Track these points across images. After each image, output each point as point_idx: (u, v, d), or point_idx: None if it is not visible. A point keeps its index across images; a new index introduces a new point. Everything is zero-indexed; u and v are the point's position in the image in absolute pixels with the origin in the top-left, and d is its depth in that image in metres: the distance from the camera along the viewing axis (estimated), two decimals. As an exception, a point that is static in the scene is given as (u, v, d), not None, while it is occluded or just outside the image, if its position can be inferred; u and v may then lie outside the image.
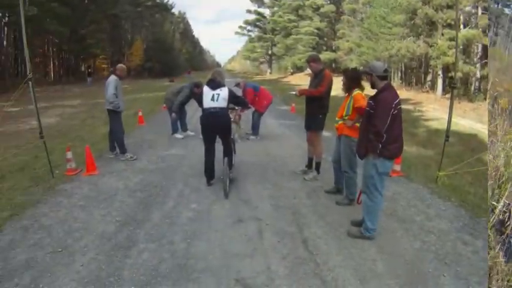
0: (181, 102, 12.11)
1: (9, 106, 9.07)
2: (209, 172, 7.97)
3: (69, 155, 8.79)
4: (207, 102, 7.47)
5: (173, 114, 12.28)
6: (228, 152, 7.88)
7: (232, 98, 7.72)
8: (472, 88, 29.96)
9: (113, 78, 9.61)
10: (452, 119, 8.40)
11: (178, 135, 12.88)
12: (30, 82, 7.81)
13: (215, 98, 7.44)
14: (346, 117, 6.81)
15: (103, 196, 7.36)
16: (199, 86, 11.47)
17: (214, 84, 7.58)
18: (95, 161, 9.17)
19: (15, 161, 9.70)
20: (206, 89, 7.59)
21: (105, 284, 4.48)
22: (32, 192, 7.54)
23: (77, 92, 34.92)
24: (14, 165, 9.33)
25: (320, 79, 7.85)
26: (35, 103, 8.07)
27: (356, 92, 6.70)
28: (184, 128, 13.39)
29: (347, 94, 6.93)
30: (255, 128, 12.85)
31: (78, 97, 28.68)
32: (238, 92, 9.95)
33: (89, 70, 48.81)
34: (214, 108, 7.42)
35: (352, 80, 6.84)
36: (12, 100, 8.17)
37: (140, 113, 16.53)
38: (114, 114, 9.72)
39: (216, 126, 7.63)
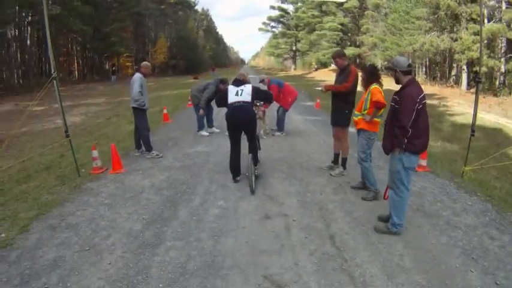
0: (207, 99, 12.10)
1: (34, 105, 9.18)
2: (235, 168, 8.05)
3: (95, 153, 8.84)
4: (232, 98, 7.69)
5: (201, 110, 12.34)
6: (253, 148, 7.96)
7: (256, 93, 7.89)
8: (497, 83, 29.57)
9: (138, 76, 9.65)
10: (478, 114, 8.31)
11: (204, 133, 12.93)
12: (54, 81, 7.87)
13: (239, 93, 7.69)
14: (364, 112, 6.91)
15: (129, 194, 7.41)
16: (224, 82, 12.22)
17: (239, 83, 7.90)
18: (121, 159, 9.25)
19: (41, 160, 9.80)
20: (231, 87, 7.87)
21: (132, 282, 4.52)
22: (58, 191, 7.60)
23: (102, 90, 35.27)
24: (40, 165, 9.43)
25: (346, 75, 7.86)
26: (60, 102, 8.14)
27: (373, 86, 6.78)
28: (210, 125, 13.49)
29: (365, 89, 7.01)
30: (280, 124, 12.86)
31: (103, 95, 28.94)
32: (263, 88, 9.95)
33: (113, 68, 48.77)
34: (238, 102, 7.63)
35: (371, 75, 6.95)
36: (36, 99, 8.25)
37: (165, 110, 16.59)
38: (139, 112, 9.77)
39: (240, 119, 7.72)
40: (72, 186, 7.90)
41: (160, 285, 4.46)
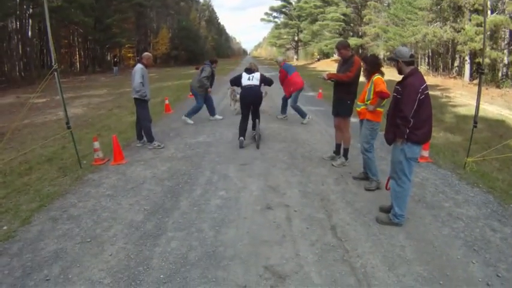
0: (206, 77, 12.92)
1: (36, 97, 9.16)
2: (242, 130, 10.36)
3: (96, 144, 8.86)
4: (245, 81, 10.25)
5: (209, 89, 13.28)
6: (257, 116, 10.62)
7: (262, 79, 10.40)
8: (500, 74, 29.39)
9: (139, 67, 9.64)
10: (480, 105, 8.28)
11: (189, 121, 13.22)
12: (55, 73, 7.86)
13: (251, 78, 10.24)
14: (367, 102, 6.91)
15: (131, 185, 7.40)
16: (214, 62, 13.71)
17: (250, 71, 10.43)
18: (123, 150, 9.27)
19: (43, 152, 9.79)
20: (244, 74, 10.41)
21: (134, 273, 4.52)
22: (60, 183, 7.60)
23: (104, 81, 35.19)
24: (41, 156, 9.42)
25: (349, 65, 7.85)
26: (61, 93, 8.14)
27: (376, 76, 6.78)
28: (213, 113, 13.91)
29: (368, 79, 7.01)
30: (299, 112, 13.30)
31: (105, 87, 28.83)
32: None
33: (115, 59, 48.32)
34: (250, 85, 10.19)
35: (372, 66, 6.94)
36: (38, 91, 8.23)
37: (167, 101, 16.56)
38: (141, 103, 9.77)
39: (251, 97, 10.24)
40: (73, 177, 7.90)
41: (162, 276, 4.47)
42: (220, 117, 13.99)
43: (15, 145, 10.75)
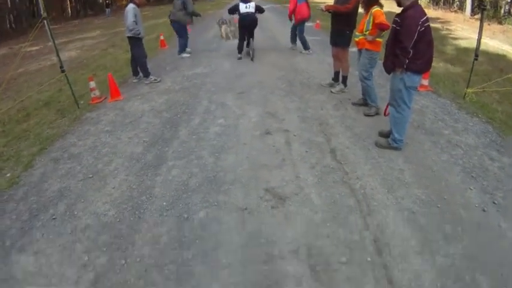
0: (193, 7, 13.13)
1: (28, 46, 9.07)
2: (240, 48, 12.56)
3: (92, 84, 8.81)
4: (243, 9, 11.77)
5: (188, 20, 13.14)
6: (251, 36, 12.63)
7: (258, 8, 12.06)
8: (502, 11, 29.05)
9: (131, 6, 9.47)
10: (481, 39, 8.18)
11: (186, 54, 13.37)
12: (45, 21, 7.79)
13: (248, 7, 11.79)
14: (366, 32, 6.82)
15: (129, 119, 7.42)
16: None
17: (246, 1, 11.83)
18: (119, 87, 9.24)
19: (40, 97, 9.76)
20: (241, 4, 11.80)
21: (137, 202, 4.61)
22: (59, 125, 7.60)
23: (97, 23, 34.66)
24: (38, 102, 9.40)
25: None
26: (52, 38, 8.05)
27: (375, 8, 6.65)
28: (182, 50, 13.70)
29: (366, 11, 6.91)
30: (304, 43, 13.24)
31: (98, 28, 28.47)
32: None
33: (107, 1, 47.70)
34: (247, 12, 11.79)
35: None
36: (29, 40, 8.16)
37: (162, 37, 16.41)
38: (135, 41, 9.70)
39: (248, 21, 11.94)
40: (72, 118, 7.89)
41: (164, 203, 4.55)
42: (188, 54, 13.63)
43: (11, 94, 10.74)
